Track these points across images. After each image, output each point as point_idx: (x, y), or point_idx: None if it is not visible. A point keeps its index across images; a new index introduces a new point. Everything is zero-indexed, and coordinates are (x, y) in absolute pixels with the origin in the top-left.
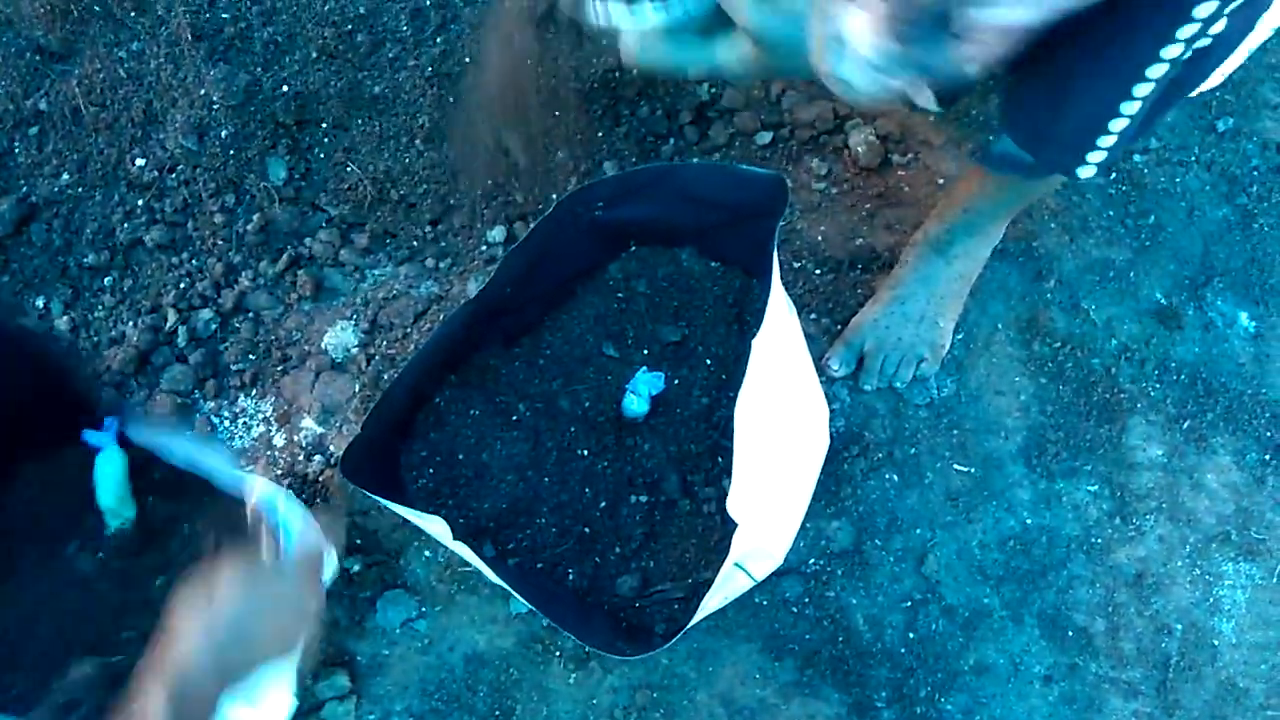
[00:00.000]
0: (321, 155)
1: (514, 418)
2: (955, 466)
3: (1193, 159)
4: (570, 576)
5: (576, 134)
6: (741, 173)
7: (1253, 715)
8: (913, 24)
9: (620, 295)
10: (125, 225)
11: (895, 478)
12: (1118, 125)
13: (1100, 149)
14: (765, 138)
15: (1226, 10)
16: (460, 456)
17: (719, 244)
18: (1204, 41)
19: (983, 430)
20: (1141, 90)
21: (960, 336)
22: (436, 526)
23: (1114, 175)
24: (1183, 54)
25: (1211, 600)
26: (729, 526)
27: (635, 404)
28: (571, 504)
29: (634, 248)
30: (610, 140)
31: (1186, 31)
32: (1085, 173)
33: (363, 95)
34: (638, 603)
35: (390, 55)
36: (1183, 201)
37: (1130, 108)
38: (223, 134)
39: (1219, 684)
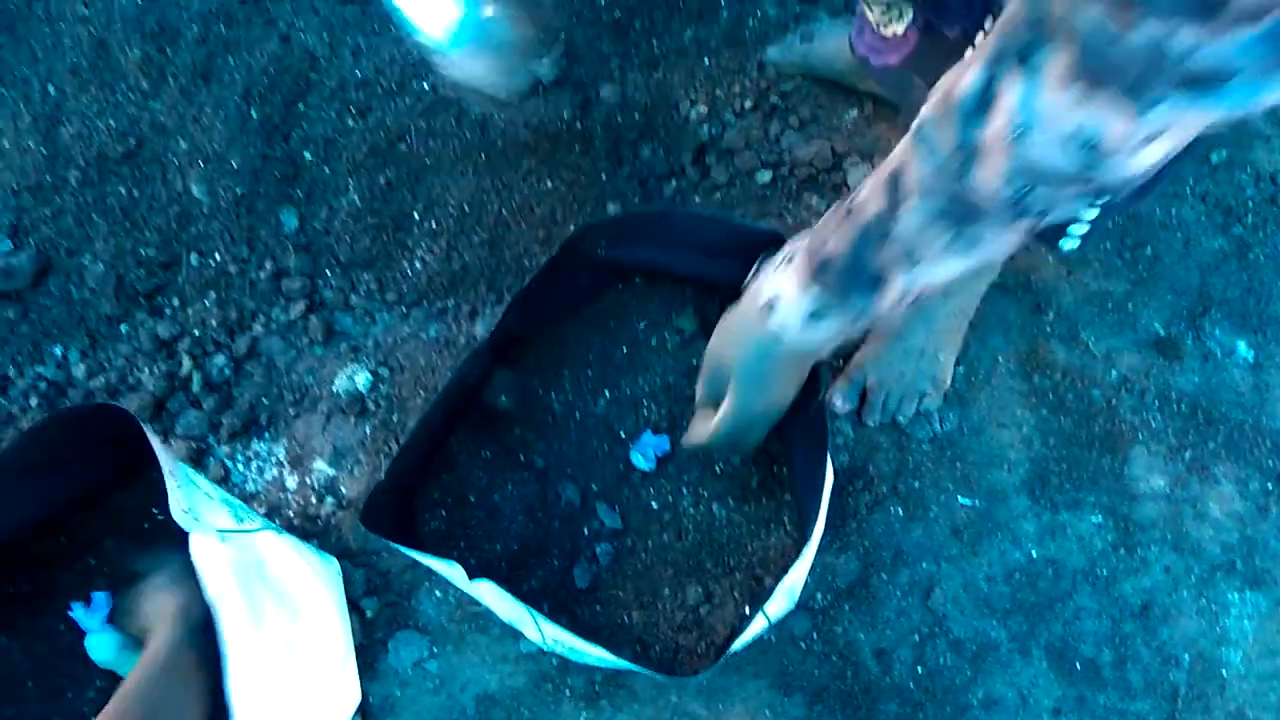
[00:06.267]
0: (333, 202)
1: (523, 458)
2: (959, 499)
3: (1187, 190)
4: (580, 616)
5: (580, 174)
6: (738, 225)
7: None
8: (840, 276)
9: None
10: (141, 275)
11: (900, 511)
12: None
13: (1082, 221)
14: (765, 176)
15: None
16: (472, 498)
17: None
18: None
19: (986, 463)
20: None
21: (961, 370)
22: (454, 572)
23: None
24: None
25: (1219, 630)
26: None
27: (642, 463)
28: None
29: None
30: (614, 181)
31: None
32: (1068, 244)
33: (379, 143)
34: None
35: (407, 103)
36: (1179, 233)
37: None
38: (237, 189)
39: (1228, 715)
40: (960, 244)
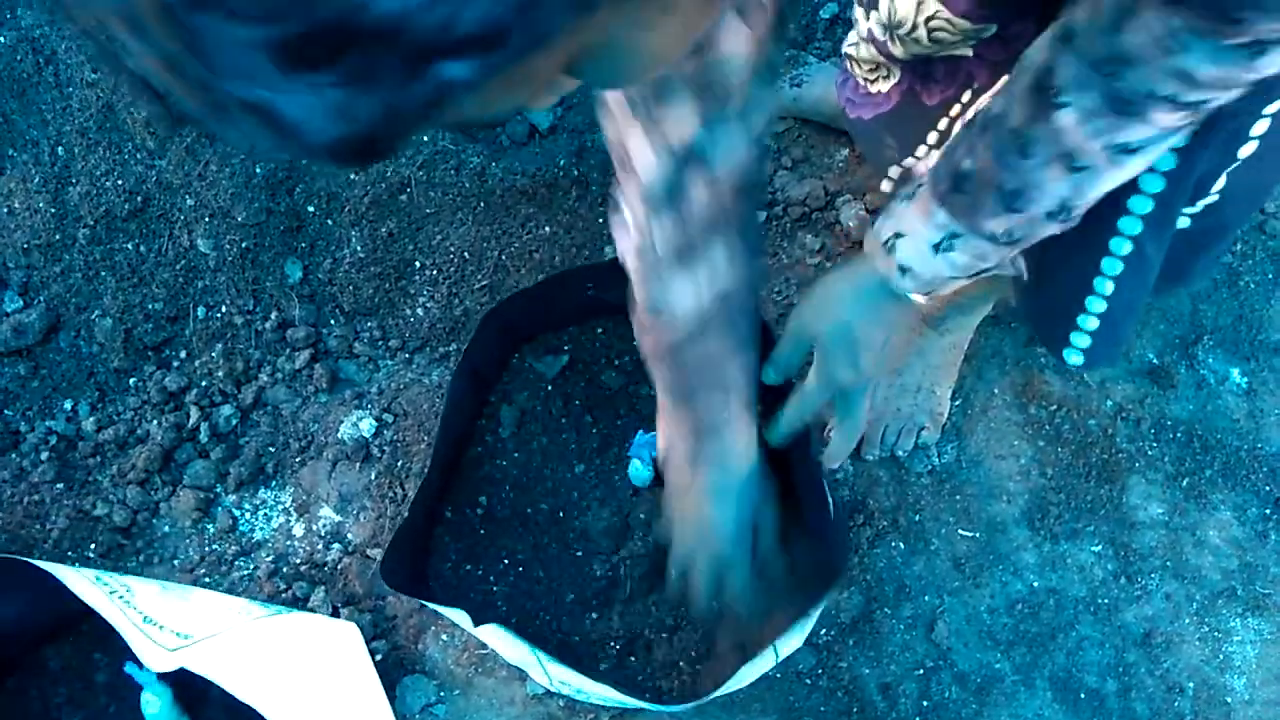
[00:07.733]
0: (336, 253)
1: (527, 500)
2: (960, 532)
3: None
4: (585, 656)
5: (578, 219)
6: None
7: None
8: (977, 194)
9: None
10: (149, 329)
11: (901, 545)
12: (1097, 307)
13: (1084, 332)
14: (759, 216)
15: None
16: (479, 538)
17: None
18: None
19: (985, 495)
20: (1113, 269)
21: (958, 403)
22: (460, 617)
23: None
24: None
25: (1221, 657)
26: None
27: (640, 469)
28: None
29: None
30: (611, 225)
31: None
32: (1073, 359)
33: (380, 195)
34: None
35: (407, 155)
36: None
37: (1105, 287)
38: (242, 243)
39: None
40: (1115, 151)
